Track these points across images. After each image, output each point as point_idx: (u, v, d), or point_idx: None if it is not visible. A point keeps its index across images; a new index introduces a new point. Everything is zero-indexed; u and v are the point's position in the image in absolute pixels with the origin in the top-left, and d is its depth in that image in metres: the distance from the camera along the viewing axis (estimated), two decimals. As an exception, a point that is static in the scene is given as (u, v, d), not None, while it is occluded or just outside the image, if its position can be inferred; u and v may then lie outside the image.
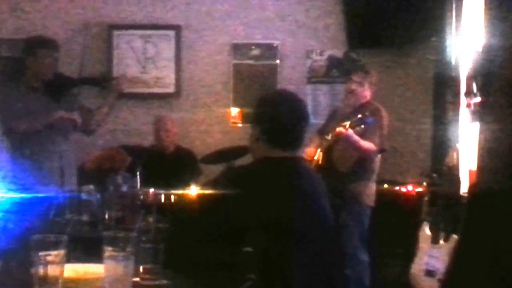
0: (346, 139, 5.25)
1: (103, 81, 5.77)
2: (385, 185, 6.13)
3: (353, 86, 5.56)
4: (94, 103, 5.79)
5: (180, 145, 6.50)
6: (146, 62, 7.01)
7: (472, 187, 2.99)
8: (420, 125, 6.81)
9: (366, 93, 5.54)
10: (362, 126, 5.21)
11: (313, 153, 5.40)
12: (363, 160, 5.36)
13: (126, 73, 6.56)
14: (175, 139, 6.47)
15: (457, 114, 6.07)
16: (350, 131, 5.20)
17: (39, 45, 5.43)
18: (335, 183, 5.11)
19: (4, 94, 5.53)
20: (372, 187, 5.47)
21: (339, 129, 5.24)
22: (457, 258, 2.53)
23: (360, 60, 6.44)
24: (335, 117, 5.71)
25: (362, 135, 5.28)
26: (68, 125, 5.35)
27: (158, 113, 6.69)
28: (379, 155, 5.49)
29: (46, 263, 2.04)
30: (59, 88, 5.46)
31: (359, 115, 5.30)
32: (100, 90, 5.82)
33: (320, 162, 5.37)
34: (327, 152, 5.40)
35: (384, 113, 5.48)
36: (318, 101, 6.90)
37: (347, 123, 5.24)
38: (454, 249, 2.71)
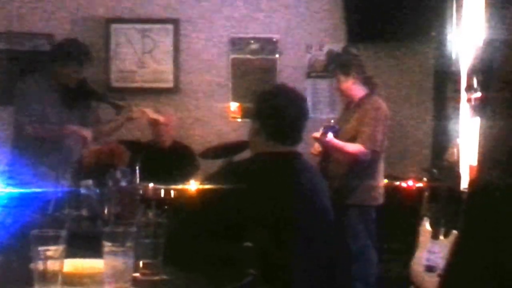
0: (326, 145, 5.17)
1: (120, 107, 5.76)
2: (386, 180, 6.12)
3: (336, 86, 5.52)
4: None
5: (177, 140, 6.48)
6: (144, 56, 6.99)
7: (472, 182, 2.98)
8: (420, 120, 6.80)
9: (354, 89, 5.37)
10: (329, 133, 5.06)
11: (319, 149, 5.33)
12: (354, 162, 5.22)
13: (126, 65, 6.56)
14: (173, 134, 6.45)
15: (458, 109, 6.06)
16: (325, 138, 5.07)
17: (71, 57, 5.32)
18: (332, 182, 5.07)
19: (25, 88, 5.46)
20: (375, 186, 5.35)
21: (315, 134, 5.10)
22: (457, 253, 2.52)
23: (339, 58, 6.35)
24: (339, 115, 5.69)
25: (354, 135, 5.20)
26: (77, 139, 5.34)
27: (157, 107, 6.66)
28: (378, 154, 5.40)
29: (46, 258, 2.03)
30: (79, 97, 5.44)
31: (326, 123, 5.22)
32: (114, 111, 5.83)
33: (319, 162, 5.32)
34: (326, 152, 5.35)
35: (380, 111, 5.29)
36: (317, 95, 6.88)
37: (321, 129, 5.12)
38: (454, 244, 2.70)
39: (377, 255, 5.38)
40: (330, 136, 5.08)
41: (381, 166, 5.41)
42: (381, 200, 5.38)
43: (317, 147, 5.32)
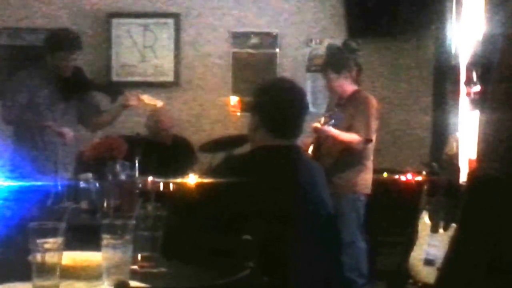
0: (324, 134, 5.33)
1: (115, 93, 5.73)
2: (385, 174, 6.13)
3: (326, 83, 5.62)
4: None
5: (176, 134, 6.48)
6: (145, 50, 7.00)
7: (471, 175, 2.98)
8: (419, 113, 6.80)
9: (345, 86, 5.52)
10: (332, 121, 5.27)
11: (309, 145, 5.43)
12: (349, 150, 5.36)
13: (127, 59, 6.58)
14: (171, 129, 6.44)
15: (457, 103, 6.07)
16: (326, 127, 5.25)
17: (59, 46, 5.28)
18: (325, 172, 5.12)
19: (16, 81, 5.45)
20: (366, 176, 5.47)
21: (315, 124, 5.30)
22: (456, 246, 2.52)
23: (331, 56, 6.38)
24: (327, 110, 5.75)
25: (349, 126, 5.31)
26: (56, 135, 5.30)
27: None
28: (370, 144, 5.47)
29: (44, 251, 2.03)
30: (74, 87, 5.41)
31: (330, 112, 5.41)
32: (109, 99, 5.80)
33: (311, 153, 5.40)
34: (317, 145, 5.44)
35: (372, 102, 5.47)
36: (317, 90, 6.88)
37: (322, 119, 5.33)
38: (453, 237, 2.71)
39: (365, 244, 5.42)
40: (331, 124, 5.27)
41: (371, 156, 5.52)
42: (370, 189, 5.45)
43: (305, 143, 5.40)
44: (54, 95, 5.34)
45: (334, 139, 5.34)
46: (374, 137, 5.47)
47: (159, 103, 5.80)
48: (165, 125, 6.38)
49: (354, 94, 5.51)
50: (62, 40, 5.36)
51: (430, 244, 5.18)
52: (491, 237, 2.31)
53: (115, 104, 5.70)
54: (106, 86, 6.01)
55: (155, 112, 6.36)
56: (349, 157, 5.39)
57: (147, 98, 5.68)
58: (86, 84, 5.57)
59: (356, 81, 5.63)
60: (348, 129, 5.35)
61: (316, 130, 5.34)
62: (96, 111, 5.65)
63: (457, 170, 5.50)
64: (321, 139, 5.43)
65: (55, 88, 5.33)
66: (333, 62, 5.70)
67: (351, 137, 5.33)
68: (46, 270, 2.04)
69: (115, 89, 5.88)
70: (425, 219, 5.33)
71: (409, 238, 5.38)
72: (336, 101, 5.65)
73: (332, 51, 6.23)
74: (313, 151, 5.43)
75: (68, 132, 5.29)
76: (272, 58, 6.99)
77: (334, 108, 5.52)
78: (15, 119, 5.29)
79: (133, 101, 5.58)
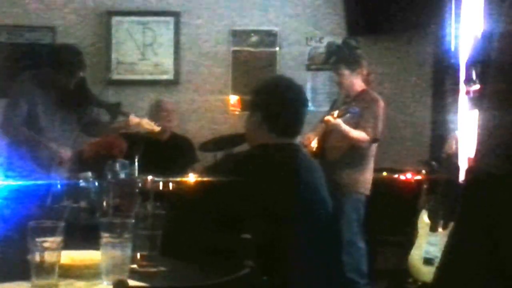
0: (335, 127, 5.28)
1: (117, 113, 5.70)
2: (384, 173, 6.12)
3: (337, 79, 5.59)
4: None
5: (176, 132, 6.47)
6: (144, 48, 6.99)
7: (468, 172, 2.98)
8: (419, 112, 6.80)
9: (356, 84, 5.51)
10: (348, 115, 5.24)
11: (311, 139, 5.41)
12: (354, 148, 5.35)
13: (127, 57, 6.60)
14: (174, 124, 6.43)
15: (456, 102, 6.07)
16: (338, 120, 5.21)
17: (61, 67, 5.23)
18: (328, 170, 5.11)
19: (15, 91, 5.40)
20: (367, 176, 5.45)
21: (327, 117, 5.28)
22: (453, 242, 2.52)
23: (345, 51, 6.36)
24: (334, 106, 5.72)
25: (356, 124, 5.29)
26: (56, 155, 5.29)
27: (158, 99, 6.66)
28: (374, 145, 5.47)
29: (43, 250, 2.04)
30: (75, 100, 5.38)
31: (346, 105, 5.37)
32: (110, 118, 5.78)
33: (314, 149, 5.39)
34: (322, 140, 5.42)
35: (380, 103, 5.45)
36: (317, 88, 6.88)
37: (335, 112, 5.30)
38: (451, 234, 2.71)
39: (364, 244, 5.41)
40: (347, 117, 5.24)
41: (373, 156, 5.51)
42: (369, 190, 5.46)
43: (308, 138, 5.39)
44: (54, 105, 5.32)
45: (342, 135, 5.30)
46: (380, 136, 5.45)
47: (157, 128, 5.81)
48: (170, 114, 6.37)
49: (363, 93, 5.49)
50: (64, 62, 5.26)
51: (430, 243, 5.18)
52: (489, 233, 2.31)
53: (114, 124, 5.67)
54: (108, 104, 5.98)
55: (159, 102, 6.37)
56: (353, 155, 5.37)
57: (146, 123, 5.67)
58: (88, 99, 5.54)
59: (366, 80, 5.60)
60: (355, 127, 5.32)
61: (327, 123, 5.29)
62: (95, 123, 5.64)
63: (456, 169, 5.49)
64: (327, 134, 5.40)
65: (56, 99, 5.31)
66: (347, 59, 5.64)
67: (360, 135, 5.29)
68: (45, 269, 2.04)
69: (117, 109, 5.85)
70: (424, 218, 5.33)
71: (409, 238, 5.39)
72: (342, 99, 5.63)
73: (342, 46, 6.17)
74: (317, 146, 5.41)
75: (66, 154, 5.26)
76: (272, 57, 6.99)
77: (352, 102, 5.49)
78: (15, 134, 5.27)
79: (132, 125, 5.58)
